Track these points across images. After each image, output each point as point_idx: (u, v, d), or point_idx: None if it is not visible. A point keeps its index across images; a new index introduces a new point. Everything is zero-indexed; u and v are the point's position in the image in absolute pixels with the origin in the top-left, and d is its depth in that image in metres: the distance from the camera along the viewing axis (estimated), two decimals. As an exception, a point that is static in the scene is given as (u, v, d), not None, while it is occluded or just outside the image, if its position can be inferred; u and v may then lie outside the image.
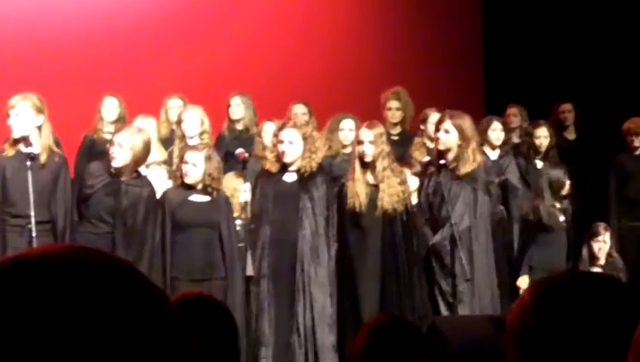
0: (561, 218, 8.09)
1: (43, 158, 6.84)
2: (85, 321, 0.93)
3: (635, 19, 10.90)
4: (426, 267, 7.20)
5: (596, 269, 7.97)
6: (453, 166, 7.12)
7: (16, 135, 6.82)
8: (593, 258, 8.09)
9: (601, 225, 8.19)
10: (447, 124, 7.16)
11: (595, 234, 8.12)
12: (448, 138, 7.14)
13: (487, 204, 7.23)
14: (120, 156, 6.84)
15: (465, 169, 7.08)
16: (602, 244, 8.09)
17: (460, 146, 7.10)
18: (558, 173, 8.16)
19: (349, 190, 7.16)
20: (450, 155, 7.13)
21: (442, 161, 7.28)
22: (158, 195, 7.18)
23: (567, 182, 8.11)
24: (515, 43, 11.36)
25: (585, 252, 8.10)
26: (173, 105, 8.96)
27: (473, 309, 6.97)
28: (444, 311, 7.00)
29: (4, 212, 6.82)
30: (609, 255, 8.14)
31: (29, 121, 6.81)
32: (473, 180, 7.11)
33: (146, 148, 7.02)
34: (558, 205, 8.07)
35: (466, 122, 7.20)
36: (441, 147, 7.17)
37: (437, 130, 7.29)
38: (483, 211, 7.13)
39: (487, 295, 7.05)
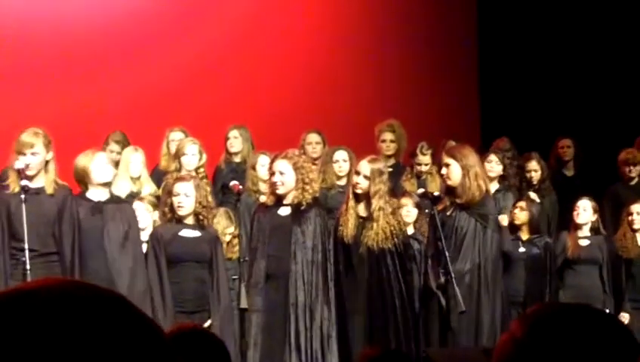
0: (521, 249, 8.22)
1: (49, 190, 6.86)
2: (79, 355, 0.93)
3: (627, 50, 10.98)
4: (422, 299, 7.21)
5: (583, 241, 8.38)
6: (462, 200, 7.12)
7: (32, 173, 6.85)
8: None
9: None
10: (445, 158, 7.21)
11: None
12: (451, 171, 7.15)
13: (497, 242, 7.22)
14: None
15: (468, 196, 7.08)
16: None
17: (463, 176, 7.12)
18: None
19: (341, 220, 7.18)
20: (459, 189, 7.14)
21: (436, 193, 7.35)
22: (147, 231, 7.20)
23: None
24: (510, 74, 11.39)
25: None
26: (175, 138, 8.87)
27: (470, 343, 6.95)
28: (438, 343, 6.99)
29: (12, 247, 6.83)
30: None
31: (42, 158, 6.86)
32: (483, 218, 7.11)
33: (83, 170, 6.98)
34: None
35: (464, 151, 7.24)
36: (449, 182, 7.18)
37: (440, 167, 7.34)
38: (492, 249, 7.11)
39: (489, 331, 7.02)
